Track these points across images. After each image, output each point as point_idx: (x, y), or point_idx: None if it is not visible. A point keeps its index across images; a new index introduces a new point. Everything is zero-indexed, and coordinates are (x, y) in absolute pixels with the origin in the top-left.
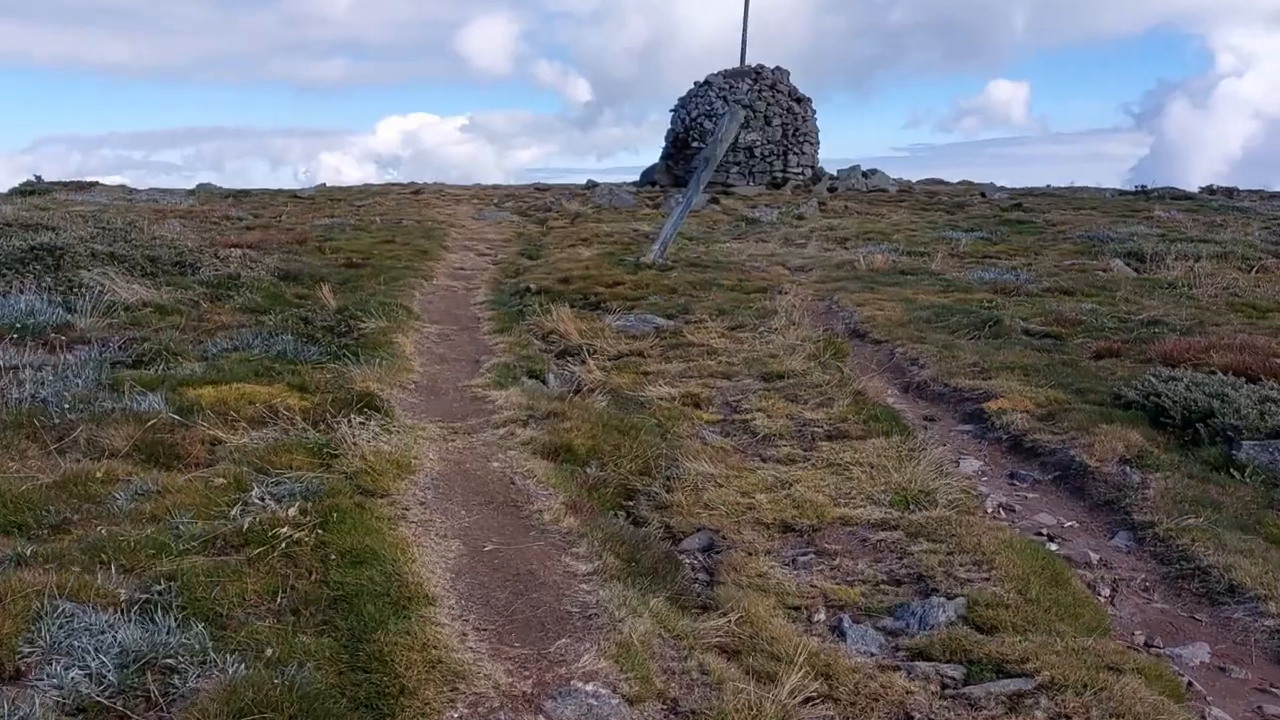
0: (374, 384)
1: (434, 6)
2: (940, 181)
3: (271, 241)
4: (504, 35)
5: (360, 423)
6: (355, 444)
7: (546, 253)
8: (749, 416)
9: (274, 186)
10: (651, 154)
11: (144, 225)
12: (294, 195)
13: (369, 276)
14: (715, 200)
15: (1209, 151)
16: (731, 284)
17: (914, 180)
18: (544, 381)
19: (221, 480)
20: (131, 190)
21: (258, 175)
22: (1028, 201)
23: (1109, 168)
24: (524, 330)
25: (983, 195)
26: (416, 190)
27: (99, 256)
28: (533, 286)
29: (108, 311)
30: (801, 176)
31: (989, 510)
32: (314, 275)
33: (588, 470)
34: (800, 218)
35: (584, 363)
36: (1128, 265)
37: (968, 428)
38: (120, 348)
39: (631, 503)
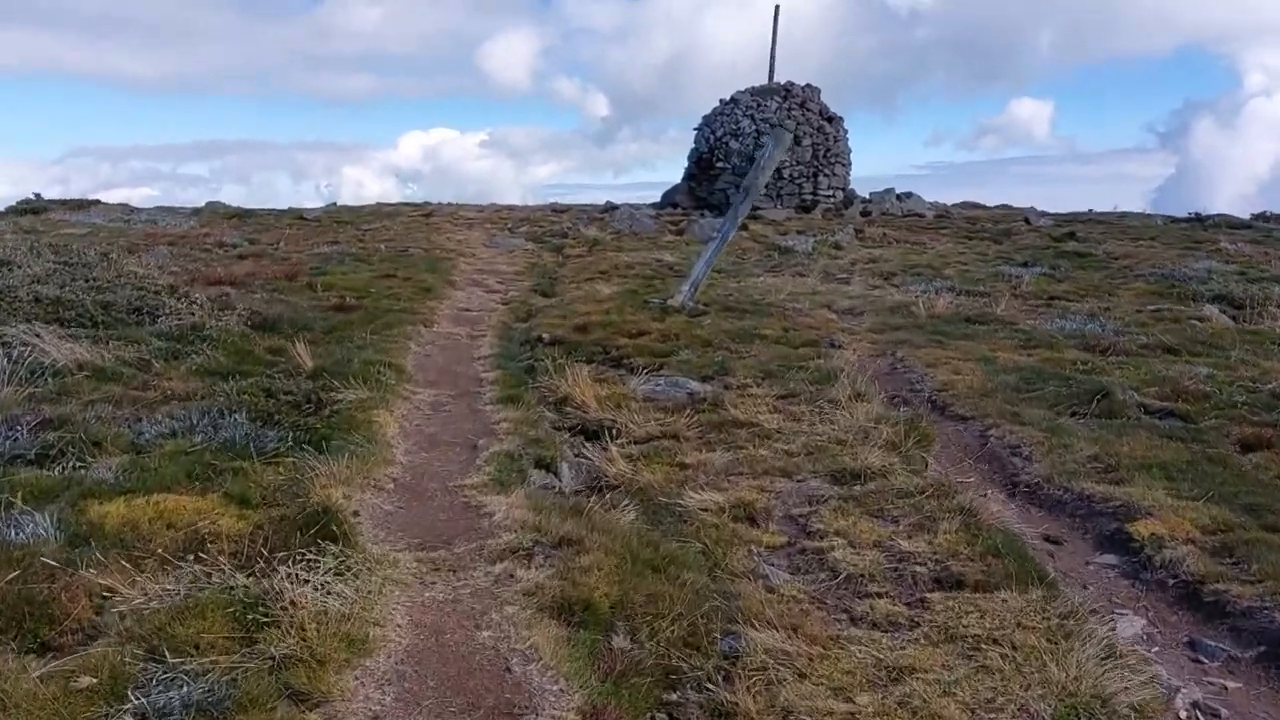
0: (339, 490)
1: (458, 22)
2: (977, 205)
3: (260, 275)
4: (525, 51)
5: (311, 559)
6: (294, 603)
7: (562, 289)
8: (825, 543)
9: (290, 204)
10: (669, 171)
11: (120, 256)
12: (300, 217)
13: (360, 323)
14: (743, 225)
15: (1236, 172)
16: (775, 334)
17: (949, 203)
18: (556, 474)
19: (89, 679)
20: (133, 209)
21: (282, 188)
22: (1079, 230)
23: (1133, 188)
24: (533, 399)
25: (1026, 221)
26: (428, 213)
27: (43, 302)
28: (545, 336)
29: (31, 378)
30: (832, 199)
31: (1182, 715)
32: (295, 322)
33: (613, 640)
34: (838, 247)
35: (605, 448)
36: (1223, 313)
37: (1111, 560)
38: (31, 430)
39: (676, 696)
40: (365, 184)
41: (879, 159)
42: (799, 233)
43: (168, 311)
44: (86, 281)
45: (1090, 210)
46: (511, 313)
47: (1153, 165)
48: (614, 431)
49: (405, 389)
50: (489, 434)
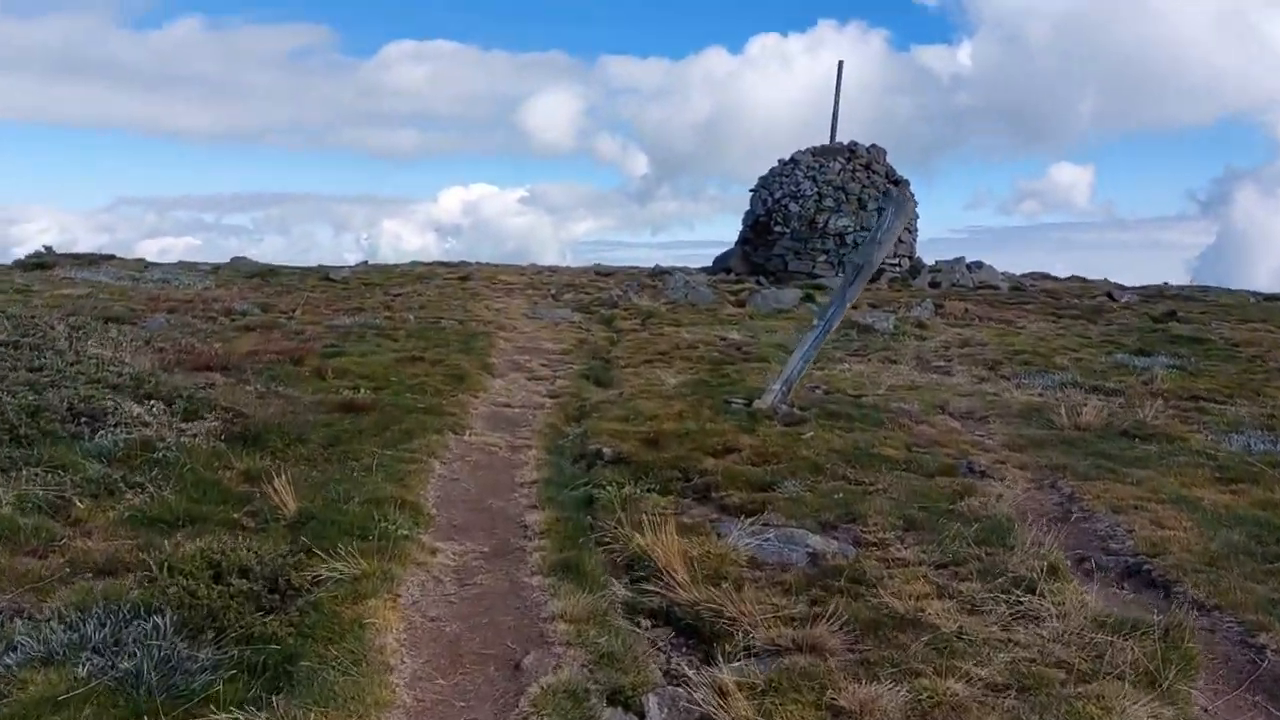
0: None
1: (502, 82)
2: (1046, 275)
3: (262, 356)
4: (567, 110)
5: None
6: None
7: (618, 375)
8: None
9: (330, 256)
10: (707, 229)
11: (97, 329)
12: (326, 277)
13: (372, 430)
14: (809, 297)
15: (1279, 241)
16: (898, 454)
17: (1017, 273)
18: (641, 716)
19: None
20: (148, 265)
21: (322, 240)
22: (1179, 309)
23: (1174, 256)
24: (598, 563)
25: (1110, 297)
26: (464, 275)
27: None
28: (606, 452)
29: None
30: (899, 268)
31: None
32: (288, 431)
33: None
34: (922, 326)
35: (712, 663)
36: None
37: None
38: None
39: None
40: (405, 238)
41: (919, 223)
42: (872, 306)
43: (115, 421)
44: (30, 371)
45: (1166, 283)
46: (561, 410)
47: (1193, 233)
48: (719, 627)
49: (421, 543)
50: (539, 640)
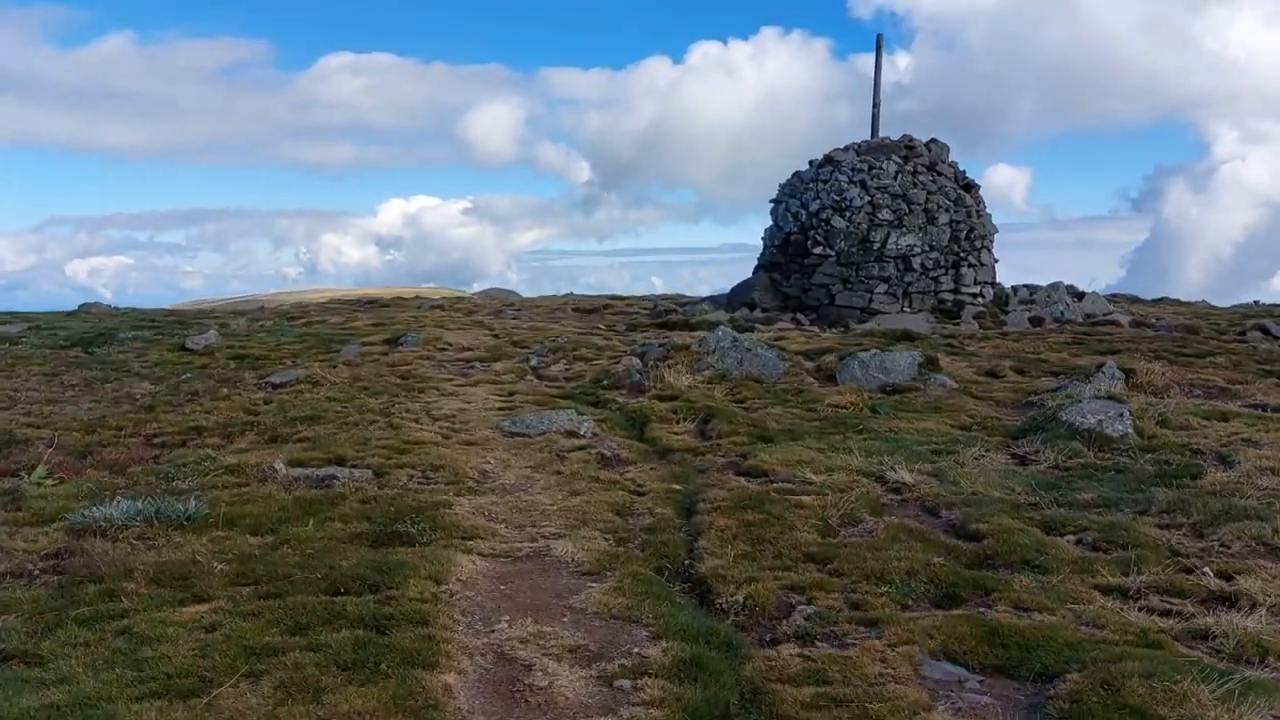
0: None
1: (441, 93)
2: (1136, 299)
3: None
4: (508, 120)
5: None
6: None
7: (772, 698)
8: None
9: (271, 270)
10: (654, 237)
11: None
12: (182, 346)
13: None
14: (932, 362)
15: (1209, 236)
16: None
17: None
18: None
19: None
20: None
21: (261, 255)
22: None
23: (1109, 254)
24: None
25: (1265, 331)
26: (394, 338)
27: None
28: None
29: None
30: (981, 299)
31: None
32: None
33: None
34: (1165, 424)
35: None
36: None
37: None
38: None
39: None
40: (345, 251)
41: None
42: (1018, 370)
43: None
44: None
45: (1256, 301)
46: None
47: (1126, 231)
48: None
49: None
50: None
